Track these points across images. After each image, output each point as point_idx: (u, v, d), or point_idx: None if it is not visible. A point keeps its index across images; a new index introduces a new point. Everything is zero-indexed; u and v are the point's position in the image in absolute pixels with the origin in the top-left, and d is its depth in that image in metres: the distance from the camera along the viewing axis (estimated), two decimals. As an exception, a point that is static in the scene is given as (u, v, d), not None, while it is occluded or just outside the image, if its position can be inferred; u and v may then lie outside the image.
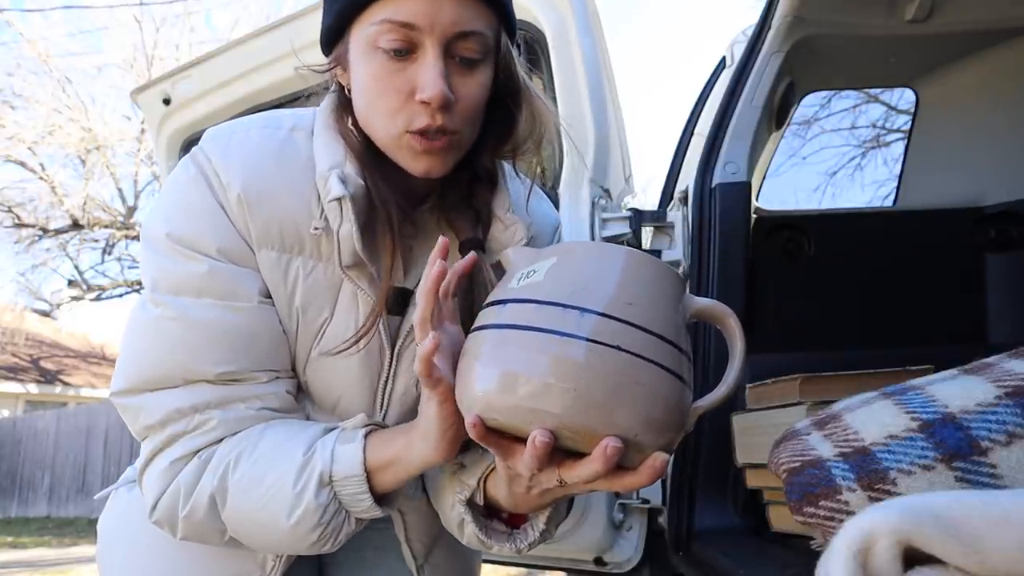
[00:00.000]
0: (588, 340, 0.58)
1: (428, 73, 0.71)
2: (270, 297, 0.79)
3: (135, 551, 0.90)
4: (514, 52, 0.82)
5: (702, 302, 0.66)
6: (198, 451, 0.76)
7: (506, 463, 0.64)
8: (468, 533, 0.79)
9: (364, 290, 0.79)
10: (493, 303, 0.65)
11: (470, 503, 0.78)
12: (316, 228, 0.77)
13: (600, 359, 0.57)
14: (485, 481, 0.78)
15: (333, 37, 0.78)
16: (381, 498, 0.77)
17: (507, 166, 0.89)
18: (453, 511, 0.80)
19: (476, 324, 0.65)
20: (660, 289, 0.63)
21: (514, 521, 0.81)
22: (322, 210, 0.77)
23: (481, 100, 0.77)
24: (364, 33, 0.73)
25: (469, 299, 0.80)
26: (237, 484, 0.74)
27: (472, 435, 0.61)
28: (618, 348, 0.58)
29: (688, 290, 0.67)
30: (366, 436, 0.76)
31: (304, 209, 0.78)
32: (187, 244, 0.76)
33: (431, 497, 0.89)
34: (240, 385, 0.77)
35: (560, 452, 0.61)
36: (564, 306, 0.59)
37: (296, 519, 0.73)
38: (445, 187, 0.84)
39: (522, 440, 0.61)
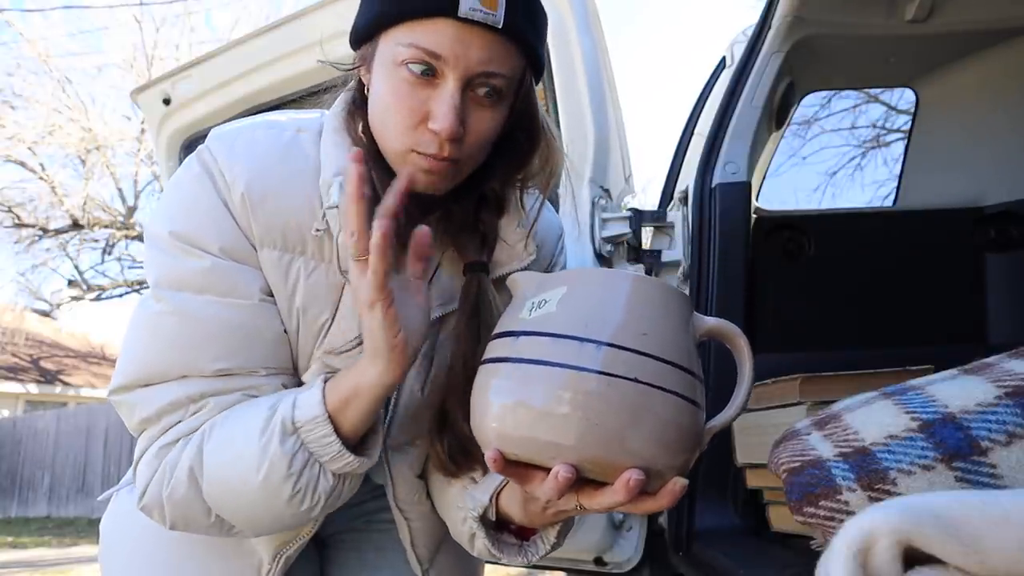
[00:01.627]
0: (605, 374, 0.58)
1: (443, 106, 0.71)
2: (272, 296, 0.79)
3: (137, 552, 0.90)
4: (536, 91, 0.82)
5: (711, 322, 0.67)
6: (188, 435, 0.75)
7: (525, 488, 0.64)
8: (479, 547, 0.80)
9: None
10: (505, 334, 0.65)
11: (482, 519, 0.79)
12: (318, 230, 0.77)
13: (618, 392, 0.58)
14: (498, 497, 0.78)
15: (363, 38, 0.78)
16: (357, 447, 0.75)
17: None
18: (464, 525, 0.80)
19: (488, 355, 0.65)
20: (671, 314, 0.63)
21: (523, 533, 0.81)
22: (324, 212, 0.78)
23: (492, 135, 0.77)
24: (391, 48, 0.73)
25: (475, 321, 0.80)
26: (211, 451, 0.73)
27: (492, 468, 0.62)
28: (635, 380, 0.58)
29: (694, 310, 0.67)
30: (325, 381, 0.75)
31: (307, 210, 0.78)
32: (190, 241, 0.76)
33: (439, 509, 0.90)
34: (237, 378, 0.76)
35: (580, 480, 0.61)
36: (580, 339, 0.59)
37: (264, 472, 0.71)
38: (450, 206, 0.84)
39: (541, 468, 0.61)
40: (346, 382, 0.72)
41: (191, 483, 0.74)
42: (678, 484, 0.60)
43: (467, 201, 0.84)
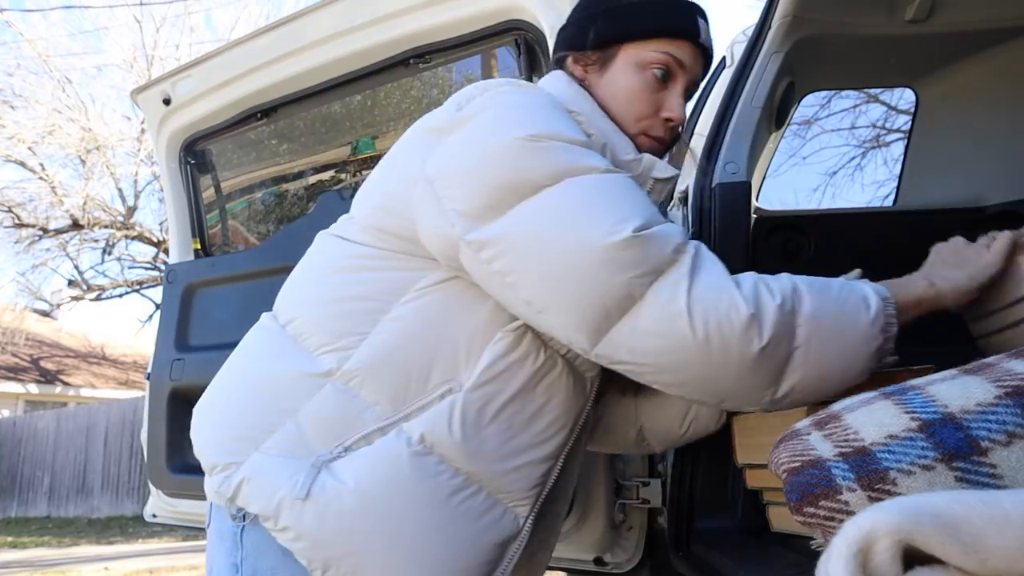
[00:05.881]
0: None
1: (677, 101, 1.03)
2: None
3: (407, 513, 0.88)
4: None
5: None
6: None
7: None
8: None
9: None
10: None
11: None
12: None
13: None
14: None
15: (607, 42, 1.03)
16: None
17: None
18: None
19: None
20: None
21: None
22: None
23: None
24: (640, 53, 1.01)
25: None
26: (806, 286, 0.87)
27: None
28: None
29: None
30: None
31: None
32: (577, 143, 0.90)
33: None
34: None
35: None
36: None
37: (873, 316, 0.88)
38: None
39: None
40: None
41: (794, 296, 0.86)
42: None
43: None
